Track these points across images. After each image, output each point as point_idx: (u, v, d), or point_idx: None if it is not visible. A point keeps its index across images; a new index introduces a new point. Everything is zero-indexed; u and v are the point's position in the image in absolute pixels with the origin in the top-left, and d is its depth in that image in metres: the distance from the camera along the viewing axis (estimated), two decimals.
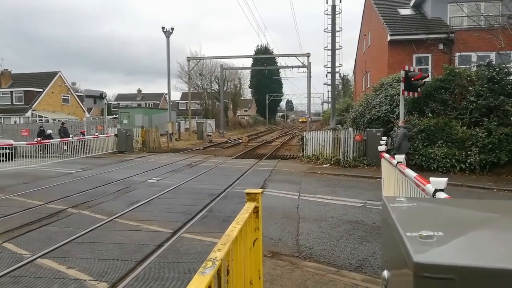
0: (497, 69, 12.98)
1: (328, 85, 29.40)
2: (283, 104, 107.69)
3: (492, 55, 16.34)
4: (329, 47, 20.43)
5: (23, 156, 17.14)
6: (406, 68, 13.18)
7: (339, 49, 23.04)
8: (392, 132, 12.56)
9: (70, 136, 20.56)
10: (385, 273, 1.34)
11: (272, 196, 9.14)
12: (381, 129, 14.30)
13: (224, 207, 8.02)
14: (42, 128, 21.93)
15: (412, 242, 0.99)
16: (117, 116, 40.10)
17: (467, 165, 12.06)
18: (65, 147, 19.05)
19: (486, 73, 13.01)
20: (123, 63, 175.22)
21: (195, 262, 4.82)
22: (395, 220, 1.20)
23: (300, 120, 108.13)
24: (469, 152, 12.07)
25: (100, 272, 4.61)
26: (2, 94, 41.37)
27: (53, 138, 20.06)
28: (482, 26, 14.73)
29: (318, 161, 15.57)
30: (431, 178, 3.31)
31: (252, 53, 70.17)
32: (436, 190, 3.17)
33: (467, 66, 15.46)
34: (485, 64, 13.55)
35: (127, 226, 6.60)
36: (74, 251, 5.38)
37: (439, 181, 3.16)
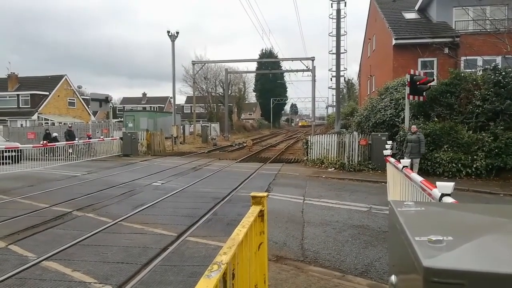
0: (503, 73, 12.90)
1: (332, 89, 29.35)
2: (287, 108, 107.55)
3: (498, 59, 16.25)
4: (334, 51, 20.44)
5: (29, 158, 17.26)
6: (411, 72, 13.15)
7: (344, 53, 23.01)
8: (407, 136, 12.51)
9: (76, 139, 20.68)
10: (393, 278, 1.33)
11: (276, 200, 9.12)
12: (386, 133, 14.25)
13: (228, 210, 8.01)
14: (48, 131, 22.09)
15: (421, 246, 0.98)
16: (122, 119, 40.27)
17: (473, 169, 11.96)
18: (70, 150, 19.17)
19: (492, 77, 12.94)
20: (127, 67, 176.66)
21: (199, 266, 4.82)
22: (403, 224, 1.19)
23: (299, 124, 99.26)
24: (475, 157, 11.98)
25: (105, 275, 4.62)
26: (9, 97, 41.75)
27: (58, 141, 20.20)
28: (488, 30, 14.69)
29: (323, 165, 15.53)
30: (437, 183, 3.29)
31: (257, 56, 70.33)
32: (443, 195, 3.15)
33: (473, 70, 15.39)
34: (491, 68, 13.48)
35: (131, 229, 6.61)
36: (79, 253, 5.39)
37: (446, 186, 3.14)
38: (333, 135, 16.37)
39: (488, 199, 9.67)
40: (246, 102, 75.04)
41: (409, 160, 6.21)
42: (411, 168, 10.61)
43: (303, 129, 74.51)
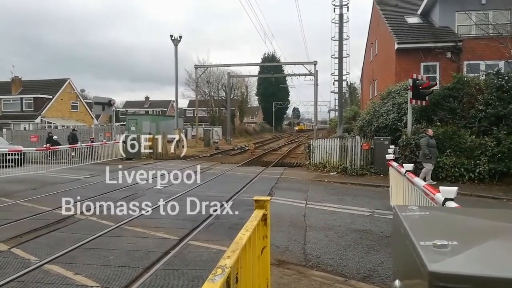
0: (506, 78, 12.89)
1: (335, 93, 29.38)
2: (289, 112, 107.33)
3: (501, 64, 16.24)
4: (337, 55, 20.48)
5: (32, 162, 17.30)
6: (414, 76, 13.15)
7: (346, 57, 23.07)
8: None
9: (79, 142, 20.73)
10: (397, 282, 1.33)
11: (279, 204, 9.10)
12: (389, 137, 14.22)
13: (230, 214, 7.99)
14: (51, 135, 22.17)
15: (426, 251, 0.98)
16: (125, 123, 40.37)
17: (476, 174, 11.91)
18: (73, 154, 19.20)
19: (495, 81, 12.92)
20: (130, 70, 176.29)
21: (202, 270, 4.81)
22: (407, 229, 1.19)
23: (296, 128, 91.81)
24: (478, 161, 11.93)
25: (107, 279, 4.61)
26: (12, 100, 41.98)
27: (60, 144, 20.25)
28: (491, 34, 14.71)
29: (325, 169, 15.50)
30: (441, 187, 3.28)
31: (259, 60, 70.48)
32: (446, 199, 3.14)
33: (476, 74, 15.38)
34: (494, 72, 13.47)
35: (134, 233, 6.60)
36: (82, 257, 5.39)
37: (449, 190, 3.13)
38: (336, 139, 16.35)
39: (491, 204, 9.63)
40: (249, 106, 75.20)
41: (412, 164, 6.19)
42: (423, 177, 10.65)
43: (303, 133, 73.39)
